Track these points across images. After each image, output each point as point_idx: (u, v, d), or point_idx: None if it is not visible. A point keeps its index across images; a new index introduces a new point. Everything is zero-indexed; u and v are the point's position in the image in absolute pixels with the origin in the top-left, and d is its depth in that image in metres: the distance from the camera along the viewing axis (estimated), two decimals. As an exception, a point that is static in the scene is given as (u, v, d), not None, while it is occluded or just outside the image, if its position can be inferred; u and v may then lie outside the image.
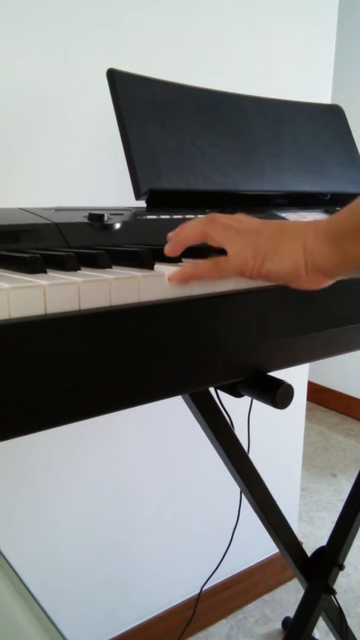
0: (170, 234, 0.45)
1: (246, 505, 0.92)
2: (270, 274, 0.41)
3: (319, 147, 0.86)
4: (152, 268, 0.41)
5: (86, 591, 1.07)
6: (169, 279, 0.39)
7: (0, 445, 0.91)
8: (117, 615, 1.13)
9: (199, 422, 0.77)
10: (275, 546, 0.91)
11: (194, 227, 0.44)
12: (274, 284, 0.43)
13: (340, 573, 0.93)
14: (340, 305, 0.49)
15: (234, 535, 1.10)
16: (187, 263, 0.43)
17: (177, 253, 0.44)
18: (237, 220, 0.43)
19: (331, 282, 0.42)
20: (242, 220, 0.43)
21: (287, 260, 0.40)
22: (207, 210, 0.68)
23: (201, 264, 0.41)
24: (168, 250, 0.44)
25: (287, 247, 0.40)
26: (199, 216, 0.63)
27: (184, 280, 0.40)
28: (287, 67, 1.14)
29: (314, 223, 0.41)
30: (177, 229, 0.44)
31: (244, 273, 0.42)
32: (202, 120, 0.74)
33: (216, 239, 0.43)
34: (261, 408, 1.24)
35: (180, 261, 0.46)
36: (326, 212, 0.75)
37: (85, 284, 0.33)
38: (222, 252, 0.48)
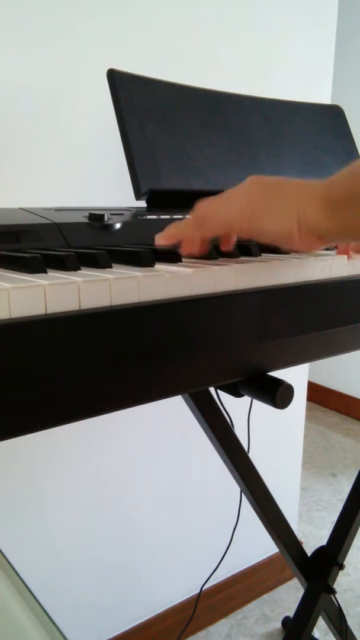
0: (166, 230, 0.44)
1: (246, 505, 0.92)
2: (261, 233, 0.40)
3: (318, 148, 0.86)
4: (152, 268, 0.41)
5: (86, 590, 1.07)
6: (156, 243, 0.39)
7: (0, 445, 0.91)
8: (117, 614, 1.13)
9: (199, 422, 0.77)
10: (275, 546, 0.92)
11: (185, 221, 0.43)
12: (274, 281, 0.43)
13: (340, 572, 0.94)
14: (340, 305, 0.49)
15: (234, 535, 1.10)
16: (174, 223, 0.42)
17: (168, 244, 0.44)
18: (227, 190, 0.43)
19: (324, 246, 0.41)
20: (230, 189, 0.43)
21: (279, 220, 0.39)
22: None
23: (183, 222, 0.40)
24: (159, 239, 0.44)
25: (280, 207, 0.39)
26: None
27: (168, 241, 0.39)
28: (287, 67, 1.14)
29: (310, 185, 0.40)
30: (170, 227, 0.44)
31: (230, 229, 0.41)
32: (202, 120, 0.74)
33: (207, 212, 0.42)
34: (261, 408, 1.24)
35: (180, 260, 0.46)
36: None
37: (86, 284, 0.33)
38: (221, 253, 0.48)
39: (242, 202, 0.40)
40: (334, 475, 1.99)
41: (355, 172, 0.38)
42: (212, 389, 0.74)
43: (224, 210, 0.40)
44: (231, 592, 1.31)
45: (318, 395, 2.67)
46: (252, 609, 1.34)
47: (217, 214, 0.41)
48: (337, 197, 0.38)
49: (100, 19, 0.87)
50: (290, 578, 1.43)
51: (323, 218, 0.38)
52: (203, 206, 0.42)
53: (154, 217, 0.60)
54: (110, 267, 0.41)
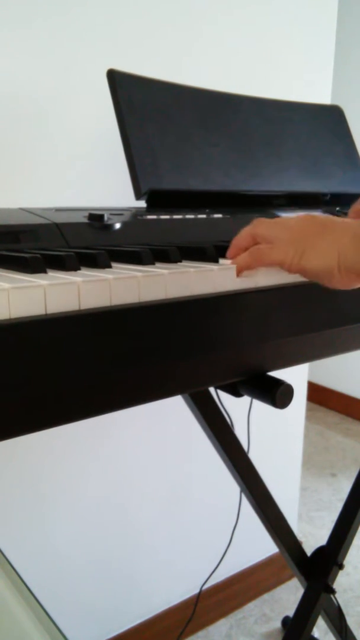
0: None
1: (246, 505, 0.92)
2: (306, 271, 0.42)
3: (318, 148, 0.86)
4: (152, 268, 0.41)
5: (86, 590, 1.07)
6: (238, 275, 0.43)
7: (0, 445, 0.91)
8: (117, 614, 1.13)
9: (199, 422, 0.77)
10: (275, 546, 0.92)
11: (244, 231, 0.47)
12: (277, 280, 0.44)
13: (340, 572, 0.94)
14: (340, 306, 0.49)
15: (234, 534, 1.10)
16: (240, 257, 0.46)
17: (236, 256, 0.47)
18: (283, 218, 0.46)
19: None
20: (289, 217, 0.45)
21: (320, 261, 0.41)
22: (207, 210, 0.68)
23: (244, 256, 0.44)
24: (228, 254, 0.48)
25: (323, 249, 0.42)
26: (200, 216, 0.63)
27: (243, 272, 0.44)
28: (286, 67, 1.14)
29: (354, 225, 0.42)
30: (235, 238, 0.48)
31: (283, 266, 0.43)
32: (202, 120, 0.74)
33: (263, 236, 0.45)
34: (261, 408, 1.24)
35: (180, 261, 0.46)
36: (325, 212, 0.75)
37: (86, 284, 0.33)
38: (221, 250, 0.49)
39: (296, 242, 0.43)
40: (333, 475, 1.99)
41: None
42: (212, 389, 0.74)
43: (281, 249, 0.43)
44: (231, 592, 1.31)
45: (318, 395, 2.67)
46: (252, 608, 1.34)
47: (275, 251, 0.43)
48: None
49: (100, 19, 0.87)
50: (290, 578, 1.43)
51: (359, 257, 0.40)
52: (261, 234, 0.46)
53: (154, 217, 0.60)
54: (110, 267, 0.41)
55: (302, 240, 0.42)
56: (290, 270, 0.43)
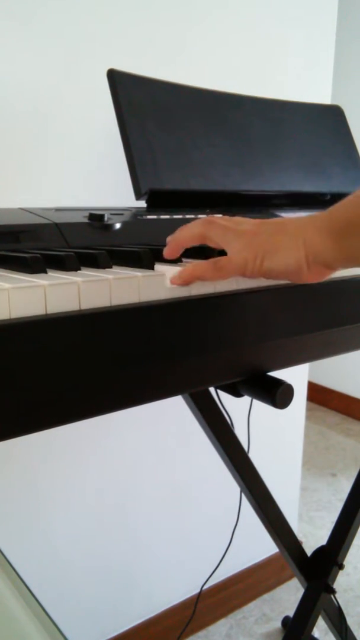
0: (168, 237, 0.45)
1: (246, 505, 0.92)
2: (272, 272, 0.41)
3: (318, 148, 0.86)
4: (152, 268, 0.41)
5: (86, 590, 1.07)
6: (171, 282, 0.39)
7: (0, 445, 0.91)
8: (117, 614, 1.13)
9: (199, 422, 0.77)
10: (275, 546, 0.92)
11: (192, 229, 0.44)
12: (276, 281, 0.43)
13: (340, 572, 0.94)
14: (340, 305, 0.49)
15: (234, 534, 1.10)
16: (188, 264, 0.43)
17: (175, 256, 0.44)
18: (235, 221, 0.43)
19: (332, 273, 0.42)
20: (241, 221, 0.43)
21: (287, 256, 0.40)
22: (207, 210, 0.68)
23: (201, 265, 0.41)
24: (166, 253, 0.44)
25: (286, 244, 0.40)
26: (200, 216, 0.63)
27: (185, 282, 0.40)
28: (286, 67, 1.14)
29: (313, 217, 0.41)
30: (175, 232, 0.44)
31: (244, 273, 0.42)
32: (202, 120, 0.74)
33: (215, 240, 0.43)
34: (261, 408, 1.24)
35: (181, 261, 0.46)
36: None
37: (86, 284, 0.33)
38: (223, 252, 0.48)
39: (253, 246, 0.41)
40: (334, 475, 1.99)
41: (355, 201, 0.39)
42: (212, 389, 0.74)
43: (239, 256, 0.41)
44: (231, 592, 1.31)
45: (318, 395, 2.67)
46: (252, 608, 1.34)
47: (234, 260, 0.41)
48: (340, 226, 0.39)
49: (100, 19, 0.87)
50: (290, 578, 1.43)
51: (329, 247, 0.39)
52: (214, 239, 0.43)
53: (154, 217, 0.60)
54: (110, 267, 0.41)
55: (260, 243, 0.41)
56: (252, 275, 0.41)
